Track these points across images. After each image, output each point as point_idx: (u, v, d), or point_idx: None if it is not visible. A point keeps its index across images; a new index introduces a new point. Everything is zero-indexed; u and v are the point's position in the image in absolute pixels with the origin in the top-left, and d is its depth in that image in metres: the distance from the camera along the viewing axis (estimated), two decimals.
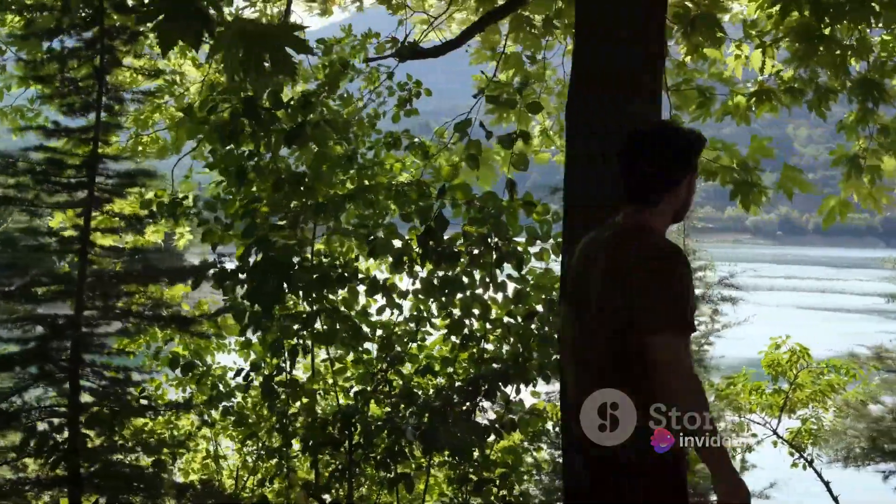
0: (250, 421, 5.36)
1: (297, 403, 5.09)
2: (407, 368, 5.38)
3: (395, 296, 4.94)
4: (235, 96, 4.79)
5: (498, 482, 5.05)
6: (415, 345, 5.35)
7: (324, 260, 4.68)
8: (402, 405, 5.19)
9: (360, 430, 4.94)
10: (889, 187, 6.59)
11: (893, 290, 10.67)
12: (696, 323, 2.54)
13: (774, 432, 8.30)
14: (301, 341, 4.64)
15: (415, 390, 5.29)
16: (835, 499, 8.83)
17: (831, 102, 6.29)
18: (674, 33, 5.83)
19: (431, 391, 5.32)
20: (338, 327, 4.69)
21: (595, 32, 3.72)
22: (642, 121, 3.51)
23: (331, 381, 5.38)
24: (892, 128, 6.38)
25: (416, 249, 4.86)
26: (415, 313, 5.21)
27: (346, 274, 4.57)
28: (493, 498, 4.95)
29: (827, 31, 5.69)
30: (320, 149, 4.68)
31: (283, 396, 5.05)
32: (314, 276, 4.34)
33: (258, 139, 4.70)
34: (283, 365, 4.79)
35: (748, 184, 6.19)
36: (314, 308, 4.55)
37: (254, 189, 4.81)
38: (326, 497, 5.23)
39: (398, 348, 5.32)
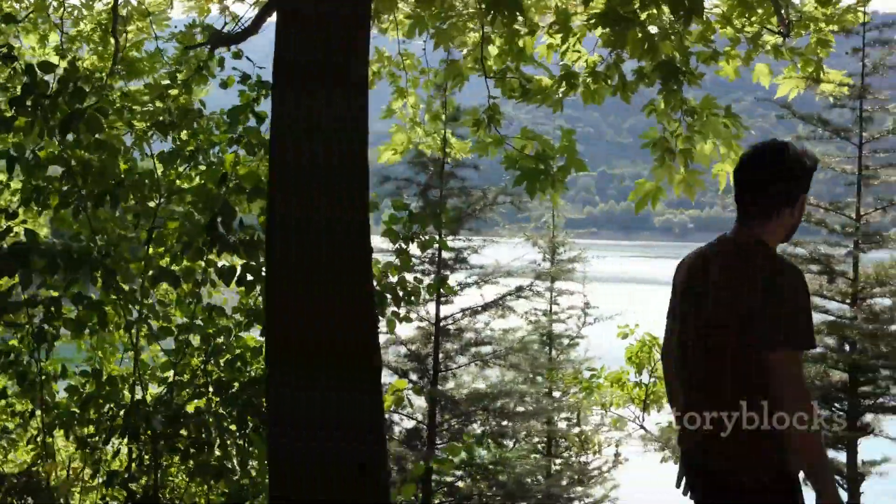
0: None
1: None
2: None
3: (186, 285, 4.84)
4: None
5: None
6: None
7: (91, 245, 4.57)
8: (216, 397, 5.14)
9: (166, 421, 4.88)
10: (700, 171, 6.45)
11: None
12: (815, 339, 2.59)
13: (642, 426, 8.15)
14: (47, 327, 4.53)
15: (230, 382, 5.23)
16: None
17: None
18: (484, 19, 5.77)
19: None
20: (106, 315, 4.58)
21: (295, 18, 3.46)
22: (347, 116, 3.34)
23: (147, 372, 5.29)
24: (701, 111, 6.26)
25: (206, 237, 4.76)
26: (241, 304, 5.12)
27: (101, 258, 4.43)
28: None
29: (643, 16, 5.60)
30: (99, 137, 4.58)
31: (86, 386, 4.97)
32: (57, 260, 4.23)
33: (38, 127, 4.61)
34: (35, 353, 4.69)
35: (539, 171, 6.20)
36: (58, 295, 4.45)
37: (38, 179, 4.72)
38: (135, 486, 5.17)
39: (221, 340, 5.24)
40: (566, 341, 10.21)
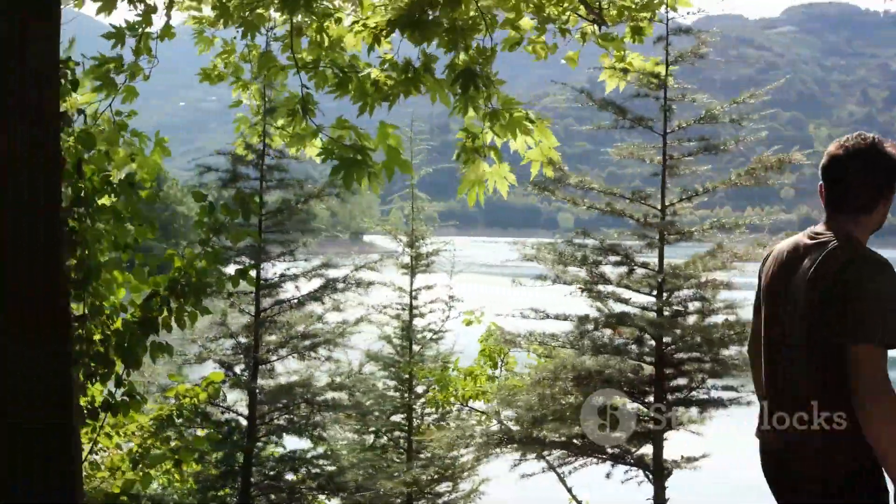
0: None
1: None
2: None
3: None
4: None
5: None
6: None
7: None
8: None
9: None
10: (513, 166, 6.43)
11: None
12: None
13: (500, 422, 8.09)
14: None
15: None
16: (568, 490, 8.67)
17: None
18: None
19: None
20: None
21: None
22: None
23: None
24: (502, 113, 6.25)
25: None
26: None
27: None
28: None
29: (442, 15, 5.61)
30: None
31: None
32: None
33: None
34: None
35: (355, 161, 6.13)
36: None
37: None
38: None
39: None
40: (429, 335, 10.17)
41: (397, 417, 10.12)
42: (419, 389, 10.24)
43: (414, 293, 10.22)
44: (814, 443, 2.68)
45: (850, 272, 2.61)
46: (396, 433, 10.09)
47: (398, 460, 9.91)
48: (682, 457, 7.77)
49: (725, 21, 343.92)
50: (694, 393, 7.59)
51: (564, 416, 7.44)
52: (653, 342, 7.40)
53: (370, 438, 9.68)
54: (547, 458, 7.72)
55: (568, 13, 6.53)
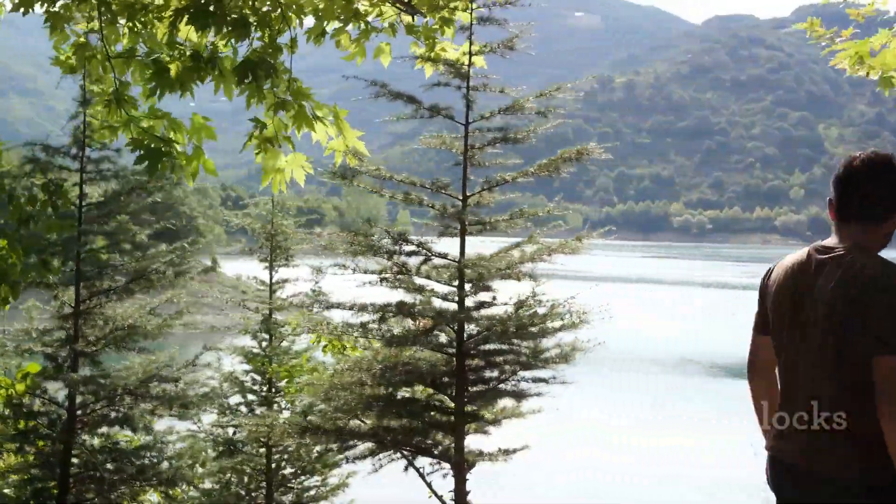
0: None
1: None
2: None
3: None
4: None
5: None
6: None
7: None
8: None
9: None
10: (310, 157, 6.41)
11: None
12: None
13: (304, 413, 8.05)
14: None
15: None
16: (428, 485, 8.59)
17: None
18: None
19: None
20: None
21: None
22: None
23: None
24: (290, 104, 6.24)
25: None
26: None
27: None
28: None
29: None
30: None
31: None
32: None
33: None
34: None
35: (159, 151, 6.16)
36: None
37: None
38: None
39: None
40: (288, 329, 10.14)
41: (260, 410, 10.10)
42: (283, 383, 10.24)
43: (274, 287, 10.23)
44: (835, 445, 2.77)
45: (872, 284, 2.69)
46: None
47: (256, 453, 9.91)
48: (500, 449, 7.73)
49: (736, 21, 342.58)
50: (502, 385, 7.53)
51: (371, 407, 7.40)
52: (453, 333, 7.34)
53: (201, 429, 9.65)
54: (352, 450, 7.66)
55: (378, 6, 6.50)
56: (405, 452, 7.63)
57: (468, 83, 7.33)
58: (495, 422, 7.46)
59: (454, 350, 7.37)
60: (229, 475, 9.69)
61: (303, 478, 10.25)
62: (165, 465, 8.25)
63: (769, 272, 3.04)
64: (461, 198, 7.38)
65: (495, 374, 7.61)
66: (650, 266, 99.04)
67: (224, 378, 10.03)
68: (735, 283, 66.45)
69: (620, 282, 62.25)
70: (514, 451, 7.79)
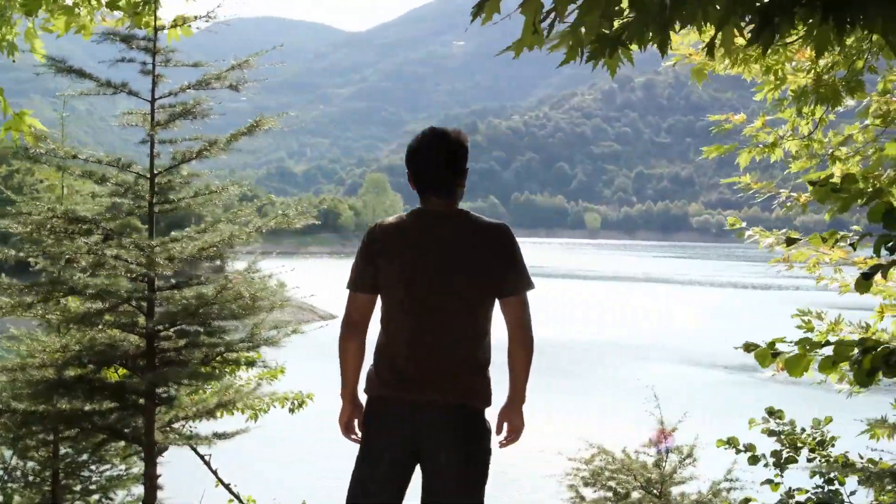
0: None
1: None
2: None
3: None
4: None
5: None
6: None
7: None
8: None
9: None
10: None
11: None
12: None
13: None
14: None
15: None
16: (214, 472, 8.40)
17: None
18: None
19: None
20: None
21: None
22: None
23: None
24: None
25: None
26: None
27: None
28: None
29: None
30: None
31: None
32: None
33: None
34: None
35: None
36: None
37: None
38: None
39: None
40: None
41: None
42: None
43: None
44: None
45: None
46: None
47: None
48: (214, 433, 7.58)
49: None
50: (204, 368, 7.38)
51: (69, 390, 7.28)
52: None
53: None
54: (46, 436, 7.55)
55: None
56: (103, 435, 7.49)
57: (154, 59, 7.19)
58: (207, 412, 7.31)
59: (144, 330, 7.22)
60: None
61: None
62: None
63: (375, 228, 3.35)
64: (148, 176, 7.24)
65: (195, 354, 7.45)
66: (669, 265, 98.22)
67: None
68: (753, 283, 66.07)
69: (628, 281, 62.08)
70: (231, 435, 7.63)
